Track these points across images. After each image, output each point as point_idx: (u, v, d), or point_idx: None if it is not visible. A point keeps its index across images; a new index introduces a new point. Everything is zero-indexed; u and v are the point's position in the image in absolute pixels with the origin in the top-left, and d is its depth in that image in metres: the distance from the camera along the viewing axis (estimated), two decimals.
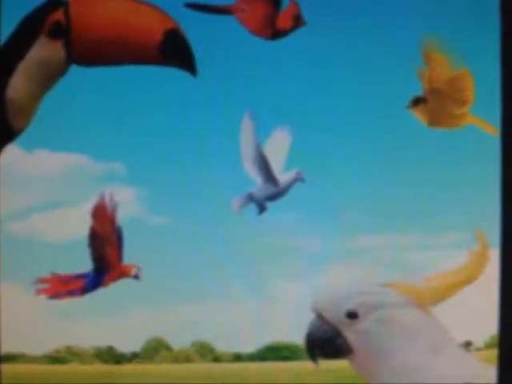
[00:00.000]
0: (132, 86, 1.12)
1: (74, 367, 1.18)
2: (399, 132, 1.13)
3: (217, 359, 1.20)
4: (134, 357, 1.19)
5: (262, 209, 1.16)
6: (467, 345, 1.11)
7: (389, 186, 1.13)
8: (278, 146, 1.16)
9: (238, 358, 1.19)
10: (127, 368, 1.18)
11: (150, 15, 0.96)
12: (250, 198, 1.16)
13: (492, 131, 1.07)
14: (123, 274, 1.12)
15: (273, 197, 1.16)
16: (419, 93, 1.10)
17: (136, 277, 1.12)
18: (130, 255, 1.13)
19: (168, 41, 0.95)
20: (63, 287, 1.12)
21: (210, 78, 1.08)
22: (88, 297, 1.12)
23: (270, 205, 1.16)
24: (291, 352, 1.19)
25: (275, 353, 1.19)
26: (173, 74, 0.99)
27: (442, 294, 0.85)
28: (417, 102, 1.10)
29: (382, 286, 0.85)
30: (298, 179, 1.16)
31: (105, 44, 0.95)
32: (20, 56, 0.95)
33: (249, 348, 1.17)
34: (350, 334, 0.83)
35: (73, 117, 1.12)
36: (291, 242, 1.14)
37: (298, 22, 1.09)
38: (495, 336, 1.01)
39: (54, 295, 1.12)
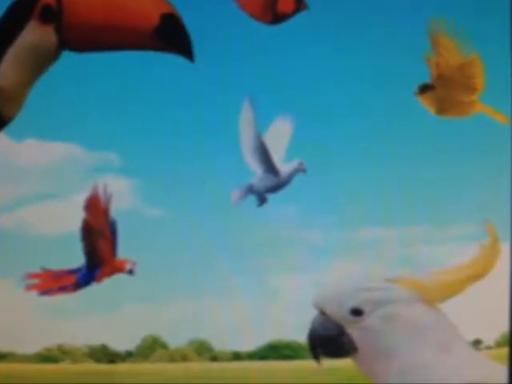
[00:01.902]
0: (127, 73, 1.11)
1: (66, 366, 1.18)
2: (405, 120, 1.12)
3: (215, 358, 1.20)
4: (128, 355, 1.19)
5: (262, 200, 1.16)
6: (477, 343, 1.10)
7: (394, 176, 1.12)
8: (279, 136, 1.16)
9: (237, 356, 1.19)
10: (121, 367, 1.18)
11: None
12: (250, 189, 1.16)
13: (503, 120, 1.06)
14: (117, 269, 1.11)
15: (273, 188, 1.16)
16: (427, 79, 1.08)
17: (131, 272, 1.11)
18: (125, 249, 1.12)
19: (164, 25, 0.92)
20: (54, 283, 1.11)
21: (208, 65, 1.06)
22: (80, 293, 1.11)
23: (270, 196, 1.16)
24: (293, 351, 1.19)
25: (276, 351, 1.19)
26: (169, 60, 0.96)
27: (451, 289, 0.82)
28: (424, 88, 1.08)
29: (388, 281, 0.82)
30: (300, 170, 1.15)
31: (98, 28, 0.93)
32: (9, 41, 0.92)
33: (248, 346, 1.18)
34: (355, 332, 0.80)
35: (64, 105, 1.11)
36: (292, 235, 1.14)
37: (299, 5, 1.07)
38: (506, 334, 0.99)
39: (45, 291, 1.11)
